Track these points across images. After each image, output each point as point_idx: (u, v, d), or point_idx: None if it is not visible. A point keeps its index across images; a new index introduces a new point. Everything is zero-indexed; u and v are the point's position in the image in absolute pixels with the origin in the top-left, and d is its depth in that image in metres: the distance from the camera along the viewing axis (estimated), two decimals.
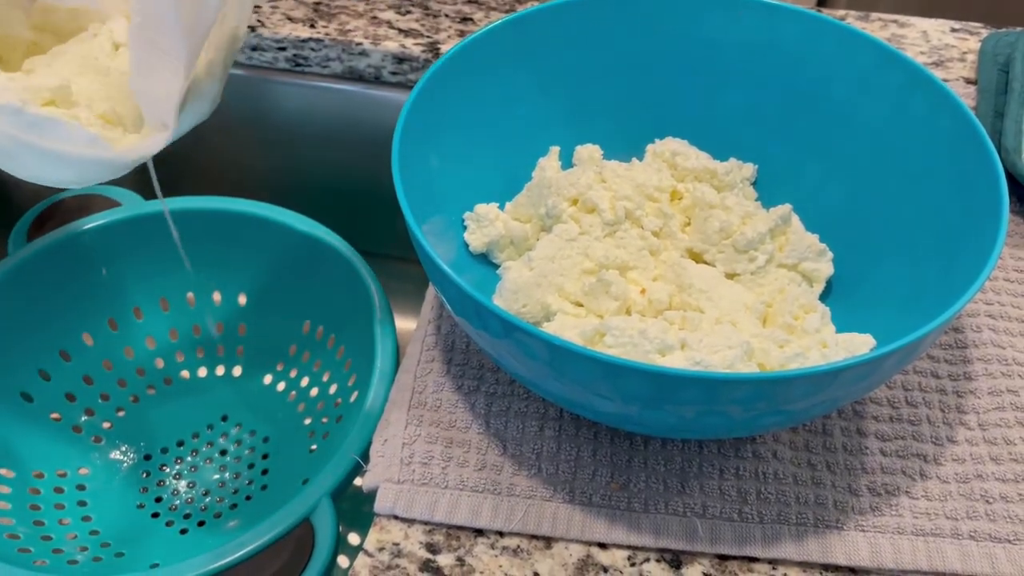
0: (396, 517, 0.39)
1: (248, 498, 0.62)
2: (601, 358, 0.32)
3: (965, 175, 0.40)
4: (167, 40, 0.36)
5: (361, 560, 0.38)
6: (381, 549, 0.38)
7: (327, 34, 0.62)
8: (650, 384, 0.32)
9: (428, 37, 0.63)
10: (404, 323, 0.58)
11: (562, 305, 0.43)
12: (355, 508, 0.48)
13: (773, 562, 0.38)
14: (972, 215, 0.39)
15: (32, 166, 0.36)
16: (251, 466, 0.63)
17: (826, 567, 0.38)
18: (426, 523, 0.39)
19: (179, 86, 0.37)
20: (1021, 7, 0.97)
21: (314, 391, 0.64)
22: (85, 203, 0.63)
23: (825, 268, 0.44)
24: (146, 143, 0.39)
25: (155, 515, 0.61)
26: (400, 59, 0.62)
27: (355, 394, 0.60)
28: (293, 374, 0.66)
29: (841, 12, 0.66)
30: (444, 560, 0.37)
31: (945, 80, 0.60)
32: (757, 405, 0.33)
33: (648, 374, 0.32)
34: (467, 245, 0.46)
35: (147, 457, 0.64)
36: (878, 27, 0.64)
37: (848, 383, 0.33)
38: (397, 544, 0.38)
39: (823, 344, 0.40)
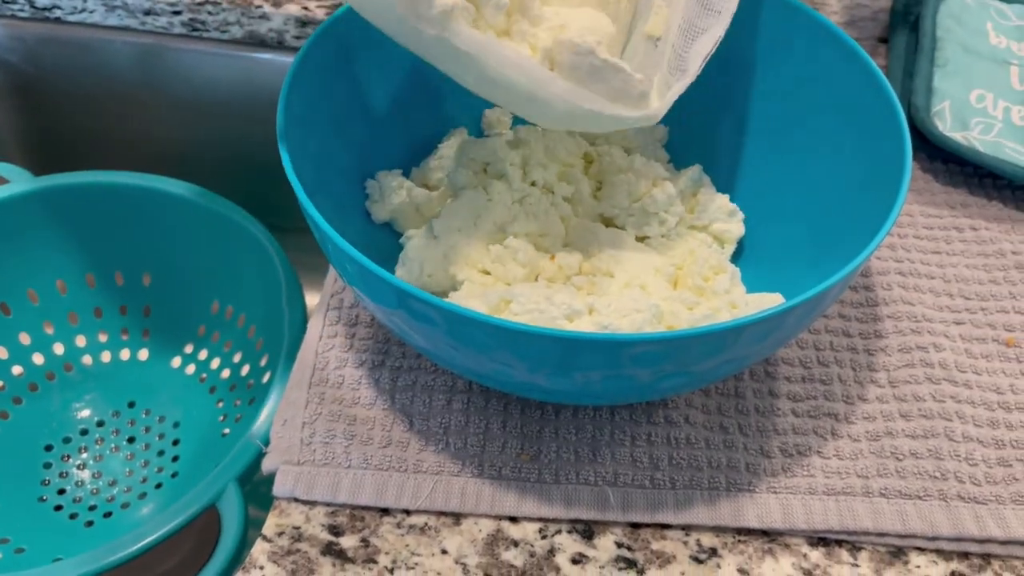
0: (296, 500, 0.37)
1: (158, 486, 0.59)
2: (496, 323, 0.30)
3: (870, 131, 0.39)
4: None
5: (260, 546, 0.36)
6: (280, 534, 0.36)
7: None
8: (550, 349, 0.31)
9: None
10: (317, 298, 0.56)
11: (469, 274, 0.41)
12: (270, 492, 0.46)
13: (686, 528, 0.37)
14: (877, 171, 0.38)
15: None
16: (160, 453, 0.61)
17: (739, 531, 0.37)
18: (328, 504, 0.37)
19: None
20: None
21: (225, 373, 0.62)
22: None
23: (736, 229, 0.44)
24: (670, 94, 0.37)
25: (58, 508, 0.58)
26: (304, 22, 0.59)
27: (268, 374, 0.57)
28: (203, 356, 0.63)
29: None
30: (347, 542, 0.36)
31: (857, 39, 0.60)
32: (662, 366, 0.32)
33: (546, 338, 0.30)
34: (370, 215, 0.44)
35: (48, 448, 0.61)
36: None
37: (752, 341, 0.32)
38: (298, 528, 0.36)
39: (733, 305, 0.39)
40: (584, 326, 0.37)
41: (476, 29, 0.34)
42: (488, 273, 0.41)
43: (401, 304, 0.32)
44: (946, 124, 0.50)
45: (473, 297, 0.39)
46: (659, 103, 0.37)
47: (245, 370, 0.60)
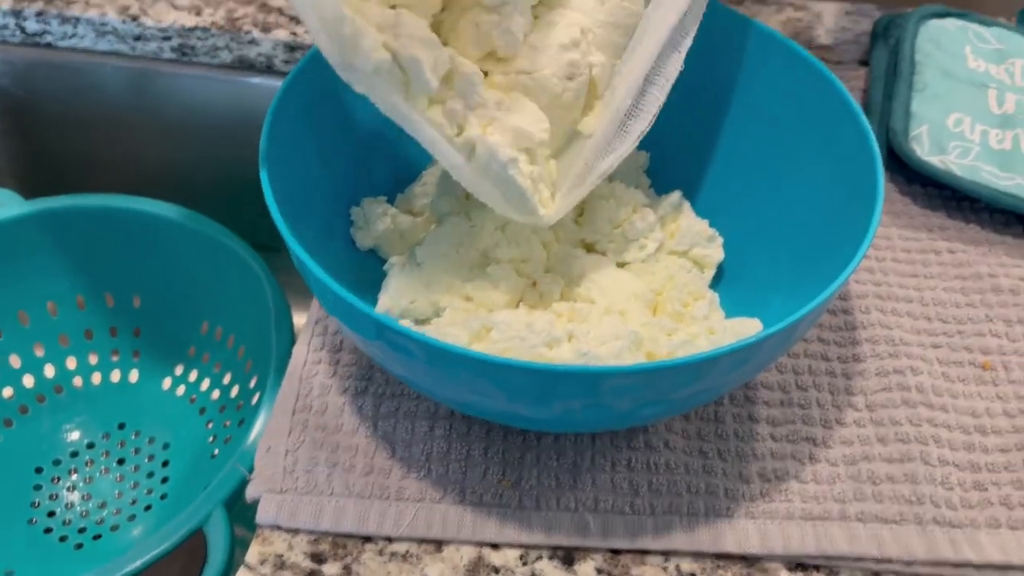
0: (279, 527, 0.37)
1: (148, 508, 0.60)
2: (473, 356, 0.31)
3: (844, 157, 0.40)
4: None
5: (243, 574, 0.36)
6: (263, 562, 0.36)
7: (214, 22, 0.60)
8: (526, 380, 0.32)
9: None
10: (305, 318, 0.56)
11: (451, 301, 0.42)
12: None
13: (665, 553, 0.38)
14: (852, 197, 0.39)
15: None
16: (150, 475, 0.61)
17: (718, 556, 0.38)
18: (311, 532, 0.37)
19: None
20: None
21: (215, 394, 0.62)
22: None
23: (715, 254, 0.44)
24: (566, 201, 0.40)
25: (48, 530, 0.58)
26: (292, 47, 0.60)
27: (257, 395, 0.58)
28: (193, 377, 0.63)
29: None
30: (330, 570, 0.36)
31: (839, 62, 0.61)
32: (639, 396, 0.33)
33: (522, 370, 0.31)
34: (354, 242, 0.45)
35: (39, 470, 0.61)
36: (774, 10, 0.65)
37: (726, 370, 0.33)
38: (280, 556, 0.37)
39: (711, 331, 0.40)
40: (564, 353, 0.37)
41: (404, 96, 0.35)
42: (470, 299, 0.42)
43: (380, 335, 0.32)
44: (924, 148, 0.50)
45: (455, 324, 0.39)
46: (552, 210, 0.39)
47: (235, 391, 0.61)
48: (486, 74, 0.39)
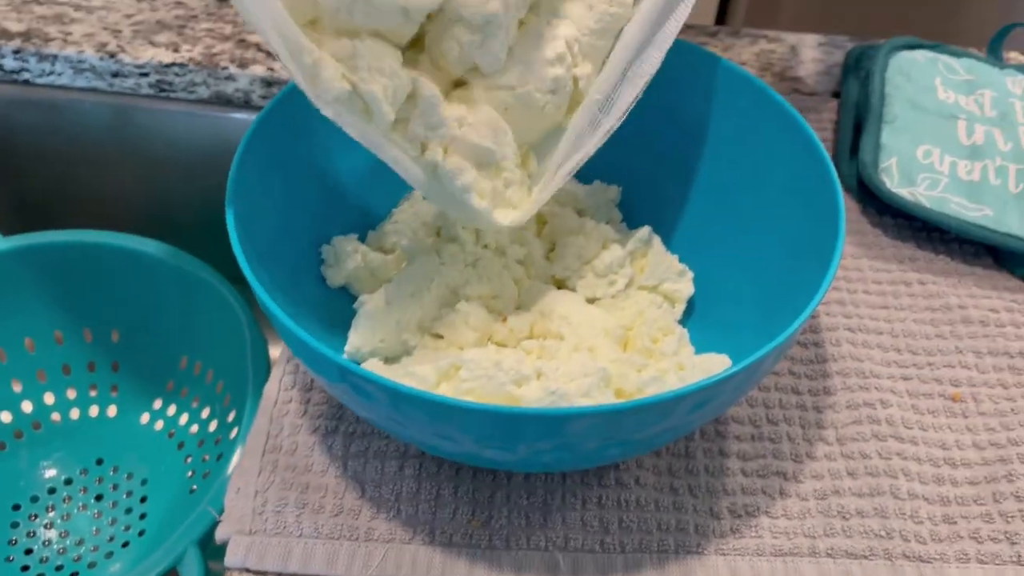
0: (248, 570, 0.37)
1: (125, 544, 0.59)
2: (435, 400, 0.31)
3: (808, 194, 0.40)
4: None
5: None
6: None
7: (191, 59, 0.60)
8: (490, 423, 0.32)
9: None
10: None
11: (421, 339, 0.42)
12: None
13: None
14: (816, 233, 0.39)
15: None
16: (128, 511, 0.61)
17: None
18: (279, 574, 0.37)
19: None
20: (915, 23, 0.99)
21: (193, 428, 0.62)
22: None
23: (685, 288, 0.45)
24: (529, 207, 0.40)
25: (25, 568, 0.58)
26: (269, 83, 0.60)
27: (235, 430, 0.58)
28: (171, 411, 0.63)
29: (714, 28, 0.67)
30: None
31: (812, 94, 0.61)
32: (604, 436, 0.33)
33: (485, 413, 0.31)
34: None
35: (16, 507, 0.60)
36: (748, 42, 0.65)
37: (691, 409, 0.33)
38: None
39: (680, 367, 0.40)
40: (533, 392, 0.37)
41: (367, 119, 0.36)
42: (440, 337, 0.42)
43: (343, 379, 0.32)
44: (893, 180, 0.51)
45: (424, 362, 0.40)
46: (521, 212, 0.40)
47: (213, 426, 0.61)
48: (464, 85, 0.39)
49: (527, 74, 0.38)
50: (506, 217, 0.39)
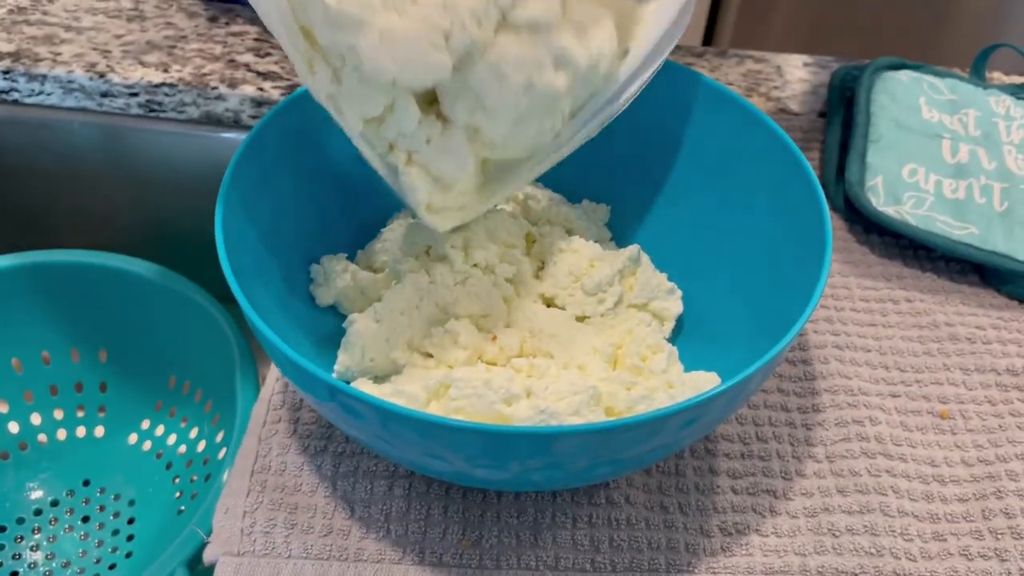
0: None
1: (112, 567, 0.59)
2: (424, 418, 0.31)
3: (796, 212, 0.40)
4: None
5: None
6: None
7: (181, 79, 0.60)
8: (478, 442, 0.32)
9: (287, 80, 0.61)
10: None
11: (411, 358, 0.42)
12: None
13: None
14: (804, 251, 0.39)
15: None
16: (115, 532, 0.60)
17: None
18: None
19: None
20: (899, 43, 1.00)
21: (182, 448, 0.62)
22: None
23: (674, 306, 0.45)
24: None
25: None
26: (259, 102, 0.60)
27: (224, 450, 0.57)
28: (159, 432, 0.63)
29: (701, 48, 0.67)
30: None
31: (798, 114, 0.62)
32: (592, 454, 0.33)
33: (473, 432, 0.31)
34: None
35: (2, 529, 0.60)
36: (735, 63, 0.66)
37: (679, 427, 0.33)
38: None
39: (669, 385, 0.40)
40: (522, 410, 0.37)
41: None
42: (430, 356, 0.42)
43: (332, 398, 0.32)
44: (879, 199, 0.51)
45: (414, 381, 0.40)
46: (447, 227, 0.41)
47: (201, 446, 0.60)
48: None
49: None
50: (446, 224, 0.41)
